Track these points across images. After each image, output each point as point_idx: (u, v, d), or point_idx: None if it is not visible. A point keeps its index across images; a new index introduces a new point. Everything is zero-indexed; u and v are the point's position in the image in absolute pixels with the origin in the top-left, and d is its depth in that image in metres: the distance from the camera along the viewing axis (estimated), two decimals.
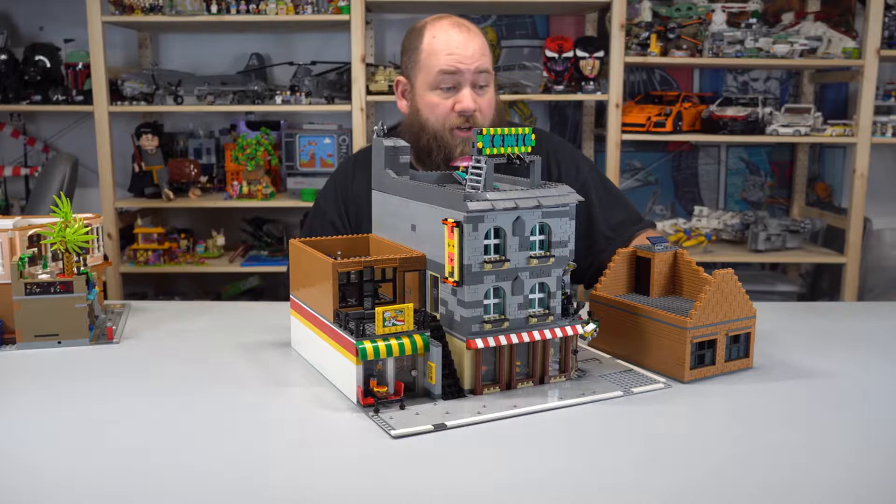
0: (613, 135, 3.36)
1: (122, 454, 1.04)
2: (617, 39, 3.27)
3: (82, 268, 1.52)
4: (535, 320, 1.24)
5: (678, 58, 3.38)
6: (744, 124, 3.39)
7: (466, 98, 1.81)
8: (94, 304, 1.58)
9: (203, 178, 3.60)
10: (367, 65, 3.33)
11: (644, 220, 1.99)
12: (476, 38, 1.84)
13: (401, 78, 1.96)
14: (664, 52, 3.38)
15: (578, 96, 3.42)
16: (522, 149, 1.23)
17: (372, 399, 1.16)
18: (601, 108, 3.77)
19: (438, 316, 1.26)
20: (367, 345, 1.14)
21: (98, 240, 1.69)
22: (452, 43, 1.82)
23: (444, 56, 1.81)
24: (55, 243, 1.48)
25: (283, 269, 3.24)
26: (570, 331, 1.26)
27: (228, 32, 3.78)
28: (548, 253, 1.24)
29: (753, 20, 3.42)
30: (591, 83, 3.41)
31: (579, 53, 3.40)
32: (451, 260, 1.19)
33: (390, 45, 3.79)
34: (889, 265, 3.73)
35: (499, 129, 1.20)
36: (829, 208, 3.82)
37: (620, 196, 2.02)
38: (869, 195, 3.43)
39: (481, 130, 1.19)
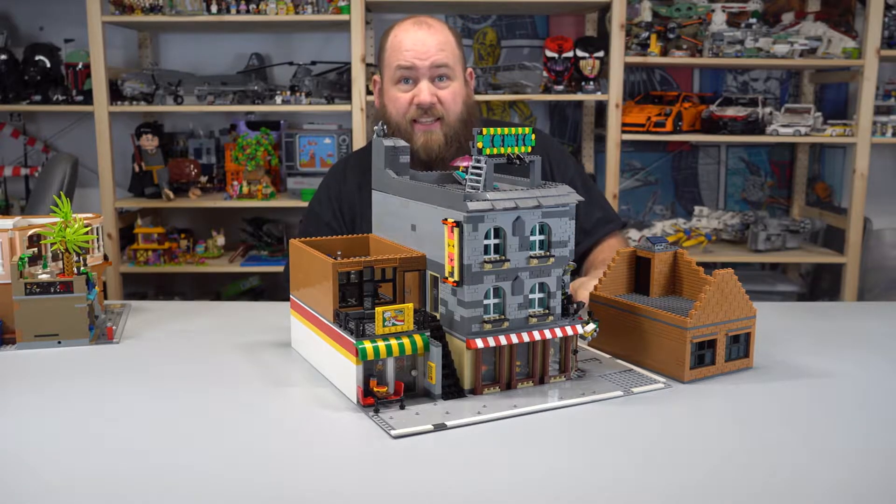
0: (613, 135, 3.36)
1: (122, 454, 1.04)
2: (617, 39, 3.27)
3: (82, 268, 1.52)
4: (535, 320, 1.24)
5: (678, 58, 3.38)
6: (744, 124, 3.39)
7: (423, 91, 1.89)
8: (94, 304, 1.58)
9: (203, 178, 3.60)
10: (367, 65, 3.34)
11: (617, 219, 2.09)
12: (437, 34, 1.91)
13: (376, 77, 2.05)
14: (664, 52, 3.38)
15: (578, 96, 3.42)
16: (522, 149, 1.23)
17: (372, 399, 1.16)
18: (601, 108, 3.77)
19: (438, 316, 1.26)
20: (367, 345, 1.14)
21: (98, 240, 1.69)
22: (408, 39, 1.90)
23: (402, 52, 1.90)
24: (55, 243, 1.48)
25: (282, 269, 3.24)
26: (570, 331, 1.26)
27: (228, 32, 3.78)
28: (548, 253, 1.24)
29: (753, 20, 3.42)
30: (591, 83, 3.41)
31: (579, 53, 3.40)
32: (451, 260, 1.19)
33: None
34: (889, 265, 3.72)
35: (499, 129, 1.21)
36: (829, 208, 3.82)
37: (599, 195, 2.13)
38: (869, 195, 3.43)
39: (481, 130, 1.19)
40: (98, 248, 1.70)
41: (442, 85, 1.91)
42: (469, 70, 2.02)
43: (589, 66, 3.40)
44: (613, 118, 3.34)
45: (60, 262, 1.50)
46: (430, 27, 1.92)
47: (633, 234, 3.60)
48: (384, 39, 1.97)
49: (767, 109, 3.46)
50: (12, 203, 3.80)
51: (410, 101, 1.90)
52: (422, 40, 1.89)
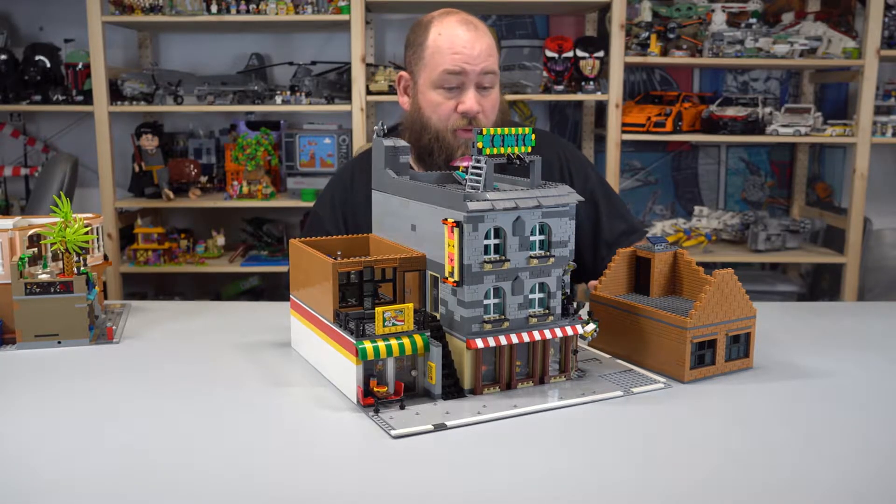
0: (613, 135, 3.36)
1: (122, 454, 1.04)
2: (617, 39, 3.27)
3: (82, 268, 1.52)
4: (535, 320, 1.24)
5: (678, 58, 3.38)
6: (744, 124, 3.39)
7: (470, 100, 1.78)
8: (94, 304, 1.58)
9: (203, 178, 3.60)
10: (367, 65, 3.34)
11: (640, 229, 2.02)
12: (483, 37, 1.80)
13: (403, 73, 1.92)
14: (664, 52, 3.38)
15: (578, 96, 3.42)
16: (522, 149, 1.23)
17: (372, 399, 1.16)
18: (601, 108, 3.77)
19: (438, 316, 1.26)
20: (367, 345, 1.14)
21: (98, 240, 1.69)
22: (458, 42, 1.77)
23: (450, 55, 1.77)
24: (55, 243, 1.48)
25: (282, 268, 3.24)
26: (570, 331, 1.26)
27: (228, 32, 3.78)
28: (548, 253, 1.24)
29: (753, 20, 3.42)
30: (591, 83, 3.41)
31: (579, 53, 3.40)
32: (451, 260, 1.19)
33: (390, 45, 3.79)
34: (889, 265, 3.73)
35: (499, 130, 1.20)
36: (829, 208, 3.82)
37: (621, 205, 2.05)
38: (869, 195, 3.43)
39: (481, 130, 1.19)
40: (98, 248, 1.70)
41: (485, 94, 1.81)
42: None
43: (589, 66, 3.40)
44: (613, 118, 3.34)
45: (60, 262, 1.50)
46: (478, 29, 1.80)
47: None
48: (422, 35, 1.83)
49: (767, 109, 3.46)
50: (12, 203, 3.80)
51: (454, 108, 1.79)
52: (472, 44, 1.77)
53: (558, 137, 2.09)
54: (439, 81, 1.79)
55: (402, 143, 1.42)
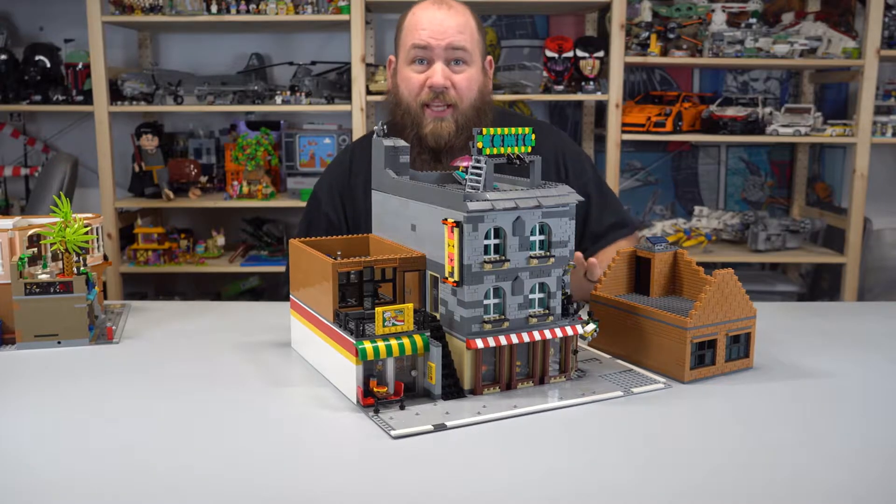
0: (613, 135, 3.36)
1: (122, 454, 1.04)
2: (617, 39, 3.27)
3: (82, 268, 1.52)
4: (535, 320, 1.24)
5: (678, 58, 3.38)
6: (744, 124, 3.39)
7: (437, 73, 1.82)
8: (94, 304, 1.58)
9: (203, 178, 3.60)
10: (367, 65, 3.34)
11: (631, 224, 2.02)
12: (456, 15, 1.85)
13: (391, 57, 1.99)
14: (664, 52, 3.38)
15: (578, 96, 3.42)
16: (522, 149, 1.23)
17: (372, 399, 1.16)
18: (601, 108, 3.77)
19: (438, 316, 1.26)
20: (367, 345, 1.14)
21: (98, 240, 1.69)
22: (427, 18, 1.84)
23: (418, 31, 1.83)
24: (55, 243, 1.48)
25: (283, 269, 3.24)
26: (570, 331, 1.26)
27: (228, 32, 3.78)
28: (548, 253, 1.24)
29: (753, 20, 3.42)
30: (591, 83, 3.41)
31: (579, 53, 3.40)
32: (451, 260, 1.19)
33: (390, 45, 3.79)
34: (889, 265, 3.73)
35: (499, 129, 1.21)
36: (829, 208, 3.82)
37: (614, 199, 2.06)
38: (869, 195, 3.43)
39: (481, 130, 1.19)
40: (98, 248, 1.70)
41: (457, 69, 1.84)
42: (489, 58, 1.95)
43: (589, 66, 3.40)
44: (613, 118, 3.34)
45: (60, 262, 1.50)
46: (451, 8, 1.85)
47: None
48: (402, 19, 1.91)
49: (767, 109, 3.46)
50: (12, 203, 3.80)
51: (423, 82, 1.83)
52: (440, 20, 1.82)
53: (557, 130, 2.10)
54: (409, 57, 1.86)
55: (402, 143, 1.42)
